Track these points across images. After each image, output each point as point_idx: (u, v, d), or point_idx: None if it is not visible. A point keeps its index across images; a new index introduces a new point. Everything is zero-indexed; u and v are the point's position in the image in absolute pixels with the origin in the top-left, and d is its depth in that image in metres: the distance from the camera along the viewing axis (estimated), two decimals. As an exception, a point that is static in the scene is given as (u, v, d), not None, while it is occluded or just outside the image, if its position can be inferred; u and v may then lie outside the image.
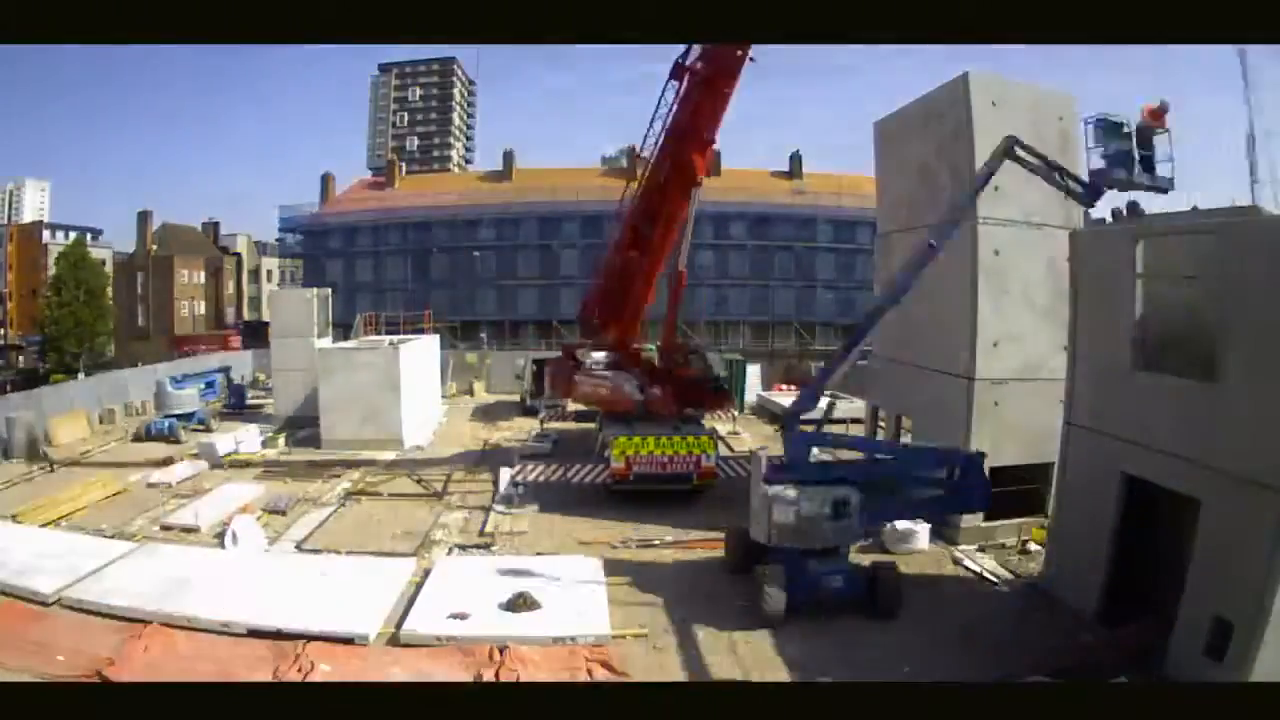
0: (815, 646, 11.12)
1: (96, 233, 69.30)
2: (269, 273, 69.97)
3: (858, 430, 20.96)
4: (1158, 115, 11.80)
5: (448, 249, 47.90)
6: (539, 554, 14.69)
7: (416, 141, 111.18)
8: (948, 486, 13.08)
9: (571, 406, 25.27)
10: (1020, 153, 12.26)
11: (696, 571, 14.00)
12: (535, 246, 48.64)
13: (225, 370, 33.74)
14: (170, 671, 9.65)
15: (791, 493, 12.04)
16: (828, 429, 13.92)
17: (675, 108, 17.28)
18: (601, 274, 21.38)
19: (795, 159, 54.09)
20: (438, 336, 32.70)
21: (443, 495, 18.89)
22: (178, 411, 25.98)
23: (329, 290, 32.49)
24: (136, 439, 24.86)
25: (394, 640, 10.87)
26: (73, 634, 10.68)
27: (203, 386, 29.25)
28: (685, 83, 16.98)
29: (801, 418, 12.99)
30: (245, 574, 12.94)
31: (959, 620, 12.02)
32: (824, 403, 13.61)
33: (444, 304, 44.72)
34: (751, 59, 16.44)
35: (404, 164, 70.33)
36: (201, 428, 25.99)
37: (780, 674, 10.37)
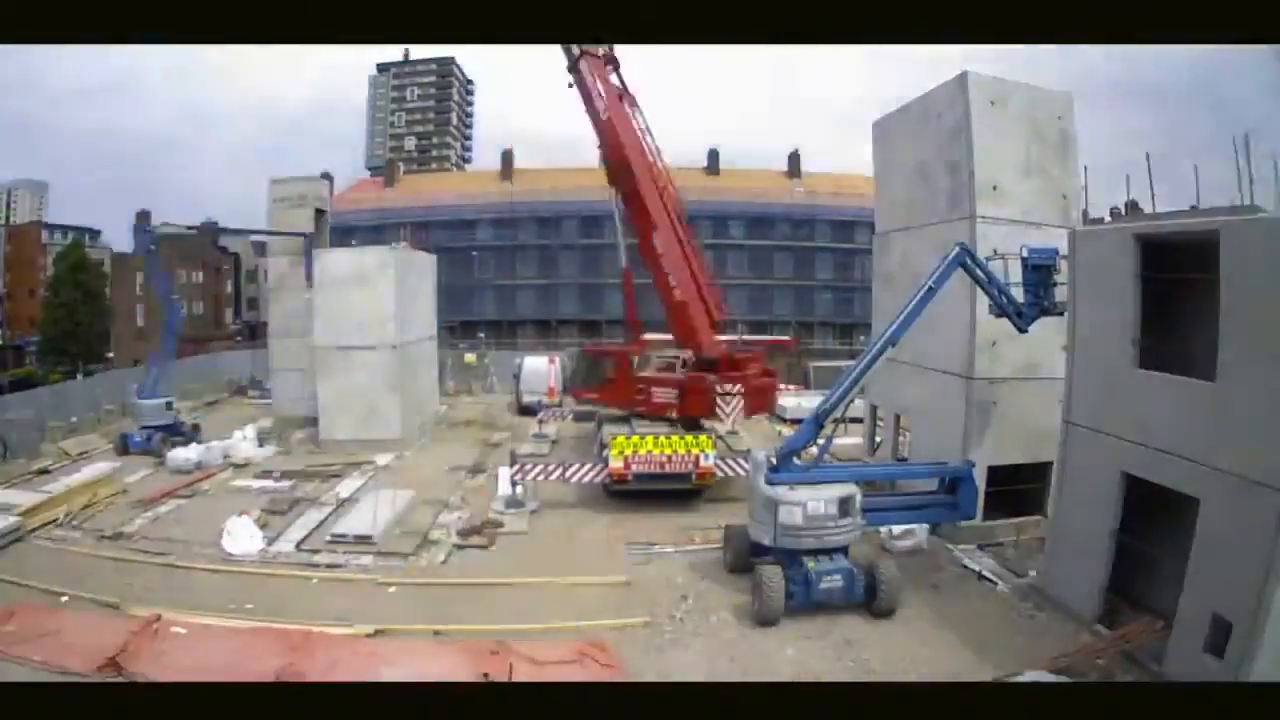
0: (815, 646, 11.16)
1: (95, 233, 69.09)
2: (266, 273, 69.74)
3: (857, 430, 20.96)
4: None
5: (447, 249, 47.79)
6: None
7: (414, 141, 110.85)
8: (939, 500, 13.86)
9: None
10: (969, 264, 13.39)
11: (696, 570, 14.03)
12: (534, 247, 48.65)
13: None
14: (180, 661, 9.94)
15: (798, 493, 12.16)
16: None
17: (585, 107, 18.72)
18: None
19: (794, 158, 54.09)
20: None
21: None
22: (154, 423, 22.95)
23: None
24: (121, 452, 22.23)
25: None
26: (83, 629, 11.06)
27: (170, 401, 24.09)
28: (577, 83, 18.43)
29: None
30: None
31: (958, 620, 12.04)
32: (823, 436, 13.42)
33: (443, 304, 44.63)
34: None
35: (401, 164, 70.24)
36: (182, 440, 22.72)
37: (780, 674, 10.39)
